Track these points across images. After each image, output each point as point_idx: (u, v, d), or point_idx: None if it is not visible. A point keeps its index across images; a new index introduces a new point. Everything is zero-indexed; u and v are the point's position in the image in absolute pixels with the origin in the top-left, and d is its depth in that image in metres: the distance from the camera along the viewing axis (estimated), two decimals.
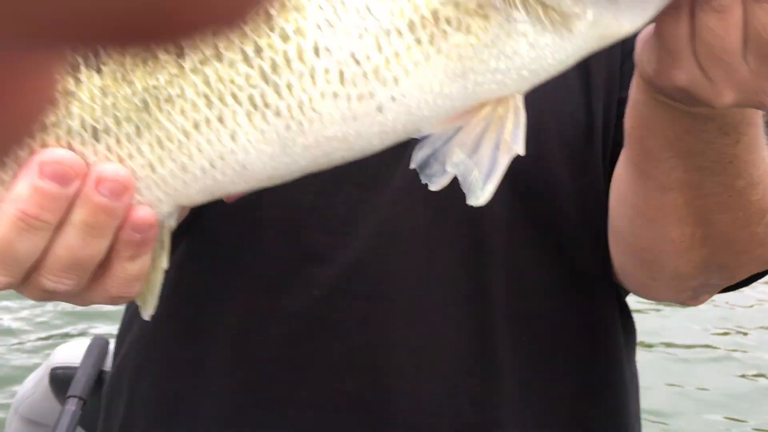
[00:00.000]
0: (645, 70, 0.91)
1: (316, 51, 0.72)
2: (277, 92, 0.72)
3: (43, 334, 5.78)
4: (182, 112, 0.70)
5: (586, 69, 1.18)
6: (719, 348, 5.75)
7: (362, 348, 1.19)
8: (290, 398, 1.24)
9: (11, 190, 0.67)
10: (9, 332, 5.91)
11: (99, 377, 1.91)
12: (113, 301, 0.76)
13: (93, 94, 0.69)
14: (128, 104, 0.69)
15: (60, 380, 2.13)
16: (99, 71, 0.69)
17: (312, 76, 0.72)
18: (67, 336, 5.63)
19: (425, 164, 0.78)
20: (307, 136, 0.74)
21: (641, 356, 1.57)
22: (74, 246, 0.68)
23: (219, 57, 0.70)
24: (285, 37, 0.71)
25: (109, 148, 0.70)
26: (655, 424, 4.41)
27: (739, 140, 0.99)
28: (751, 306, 6.38)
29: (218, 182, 0.75)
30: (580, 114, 1.11)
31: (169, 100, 0.69)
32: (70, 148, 0.69)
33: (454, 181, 0.78)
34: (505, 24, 0.77)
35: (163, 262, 0.74)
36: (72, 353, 2.43)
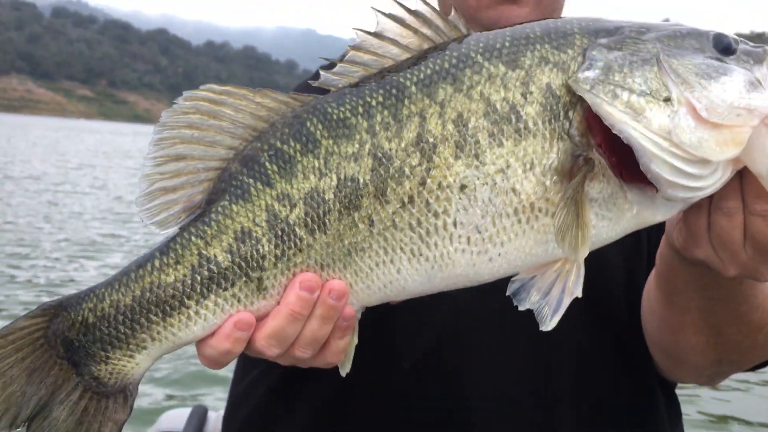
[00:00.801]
0: (673, 242, 1.29)
1: (455, 224, 1.16)
2: (428, 247, 1.17)
3: (150, 401, 6.51)
4: (370, 257, 1.17)
5: None
6: None
7: (444, 413, 1.55)
8: None
9: (285, 297, 1.15)
10: None
11: None
12: (327, 364, 1.26)
13: (324, 255, 1.19)
14: (341, 254, 1.17)
15: None
16: (324, 233, 1.17)
17: (450, 239, 1.18)
18: (170, 404, 6.39)
19: (516, 293, 1.17)
20: (444, 274, 1.20)
21: None
22: (315, 329, 1.18)
23: (395, 226, 1.16)
24: (436, 215, 1.16)
25: (334, 273, 1.19)
26: None
27: (742, 282, 1.37)
28: None
29: (387, 295, 1.22)
30: (629, 236, 1.46)
31: (363, 250, 1.17)
32: (314, 272, 1.18)
33: None
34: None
35: (355, 339, 1.25)
36: (175, 420, 2.81)
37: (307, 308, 1.17)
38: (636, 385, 1.67)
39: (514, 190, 1.15)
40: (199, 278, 1.17)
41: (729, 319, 1.43)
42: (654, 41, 1.15)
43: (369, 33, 1.21)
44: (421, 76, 1.17)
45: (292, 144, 1.17)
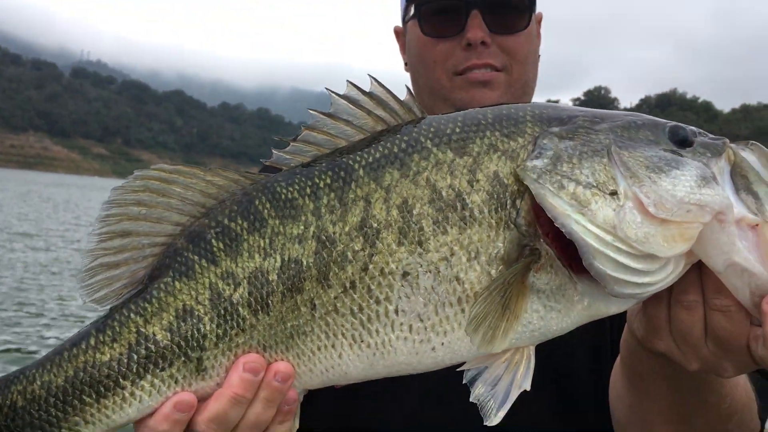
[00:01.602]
0: (634, 332, 1.26)
1: (396, 312, 1.13)
2: (369, 334, 1.15)
3: None
4: (312, 341, 1.14)
5: None
6: None
7: None
8: None
9: (228, 379, 1.11)
10: None
11: None
12: None
13: (266, 337, 1.15)
14: (284, 336, 1.14)
15: None
16: (268, 314, 1.14)
17: (392, 326, 1.15)
18: None
19: (470, 381, 1.14)
20: (386, 361, 1.17)
21: None
22: (258, 413, 1.14)
23: (337, 311, 1.13)
24: (378, 302, 1.13)
25: (276, 356, 1.16)
26: None
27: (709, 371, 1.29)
28: None
29: (330, 379, 1.19)
30: (592, 323, 1.43)
31: (305, 333, 1.14)
32: (259, 354, 1.16)
33: None
34: (526, 305, 1.14)
35: (296, 424, 1.21)
36: None
37: (250, 391, 1.13)
38: None
39: (457, 278, 1.13)
40: (136, 357, 1.14)
41: (697, 409, 1.38)
42: (607, 132, 1.14)
43: (323, 113, 1.21)
44: (370, 159, 1.17)
45: (240, 222, 1.16)
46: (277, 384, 1.14)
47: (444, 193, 1.14)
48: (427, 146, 1.16)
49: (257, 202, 1.17)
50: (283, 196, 1.17)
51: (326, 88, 1.22)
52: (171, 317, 1.14)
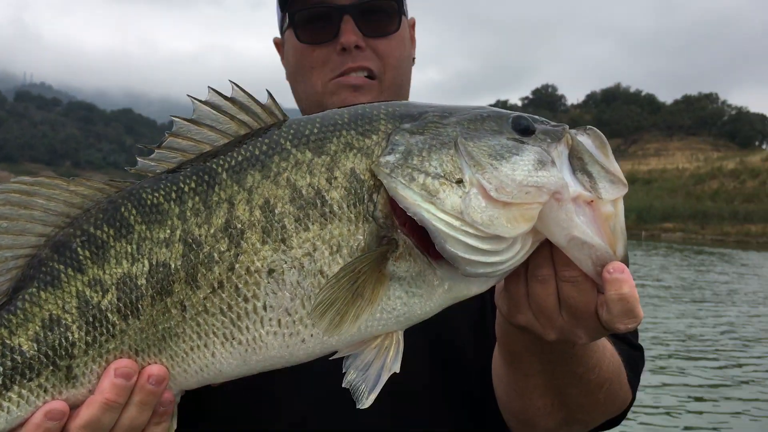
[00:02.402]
0: (500, 309, 1.32)
1: (265, 308, 1.17)
2: (240, 331, 1.18)
3: None
4: (185, 341, 1.18)
5: None
6: None
7: None
8: None
9: (99, 385, 1.14)
10: None
11: None
12: None
13: (138, 341, 1.18)
14: (156, 339, 1.17)
15: None
16: (138, 318, 1.17)
17: (261, 322, 1.19)
18: None
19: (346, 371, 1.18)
20: (259, 356, 1.21)
21: None
22: (133, 417, 1.17)
23: (207, 311, 1.17)
24: (246, 299, 1.17)
25: (149, 359, 1.19)
26: None
27: (574, 345, 1.38)
28: None
29: (205, 379, 1.22)
30: (475, 304, 1.46)
31: (177, 335, 1.17)
32: (128, 358, 1.18)
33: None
34: (387, 291, 1.20)
35: (174, 424, 1.23)
36: None
37: (123, 396, 1.16)
38: None
39: (321, 272, 1.17)
40: (1, 369, 1.14)
41: (569, 381, 1.46)
42: (455, 125, 1.20)
43: (186, 119, 1.24)
44: (233, 162, 1.21)
45: (106, 229, 1.19)
46: (151, 387, 1.17)
47: (304, 192, 1.18)
48: (287, 147, 1.21)
49: (123, 209, 1.20)
50: (148, 202, 1.20)
51: (188, 95, 1.25)
52: (37, 327, 1.15)
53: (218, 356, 1.20)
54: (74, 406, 1.17)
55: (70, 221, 1.20)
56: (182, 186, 1.20)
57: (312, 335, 1.20)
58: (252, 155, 1.21)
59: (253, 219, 1.18)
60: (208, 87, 1.24)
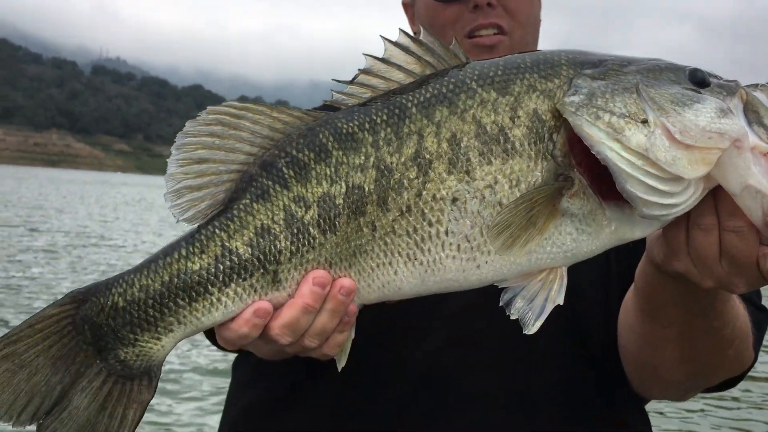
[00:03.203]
0: (654, 257, 1.38)
1: (447, 233, 1.27)
2: (422, 252, 1.28)
3: None
4: (372, 258, 1.28)
5: None
6: None
7: (431, 421, 1.62)
8: None
9: (299, 291, 1.26)
10: None
11: None
12: (324, 356, 1.35)
13: (332, 254, 1.29)
14: (347, 254, 1.28)
15: None
16: (335, 234, 1.28)
17: (442, 246, 1.28)
18: None
19: (507, 303, 1.26)
20: (436, 278, 1.30)
21: None
22: (324, 322, 1.28)
23: (394, 232, 1.27)
24: (430, 224, 1.26)
25: (340, 271, 1.30)
26: None
27: (717, 298, 1.46)
28: None
29: (385, 295, 1.32)
30: (600, 256, 1.53)
31: (366, 252, 1.27)
32: (323, 269, 1.29)
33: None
34: (559, 226, 1.28)
35: (353, 334, 1.34)
36: None
37: (318, 302, 1.27)
38: (611, 400, 1.74)
39: (500, 203, 1.26)
40: (221, 268, 1.27)
41: (704, 334, 1.51)
42: (634, 73, 1.26)
43: (377, 58, 1.34)
44: (421, 98, 1.30)
45: (307, 152, 1.29)
46: (342, 297, 1.28)
47: (488, 128, 1.27)
48: (473, 87, 1.29)
49: (321, 136, 1.30)
50: (344, 130, 1.30)
51: (380, 35, 1.34)
52: (251, 234, 1.27)
53: (400, 274, 1.30)
54: (275, 308, 1.29)
55: (274, 144, 1.31)
56: (375, 118, 1.30)
57: (487, 262, 1.29)
58: (440, 93, 1.30)
59: (440, 151, 1.27)
60: (399, 29, 1.33)
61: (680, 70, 1.27)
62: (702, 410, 8.07)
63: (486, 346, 1.67)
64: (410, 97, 1.30)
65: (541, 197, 1.23)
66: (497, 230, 1.24)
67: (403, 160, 1.27)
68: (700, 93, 1.23)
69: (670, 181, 1.19)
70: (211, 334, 1.67)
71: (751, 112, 1.23)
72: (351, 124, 1.30)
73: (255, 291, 1.28)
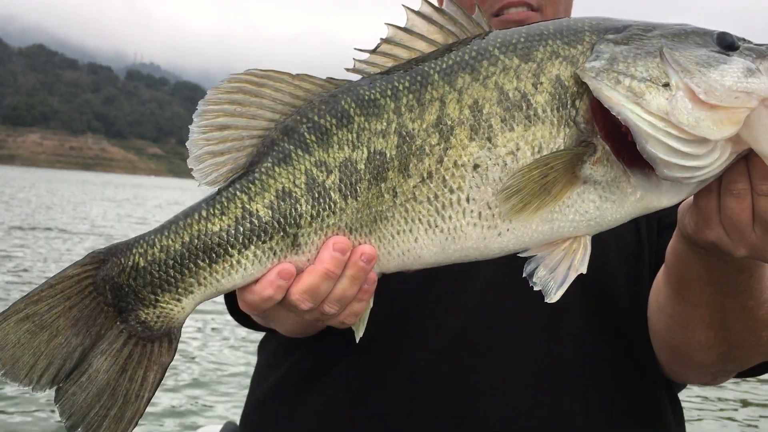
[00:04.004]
0: (685, 228, 1.35)
1: (468, 200, 1.26)
2: (443, 220, 1.27)
3: (182, 420, 6.86)
4: (393, 225, 1.28)
5: None
6: None
7: (456, 409, 1.61)
8: None
9: (319, 256, 1.26)
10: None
11: None
12: (342, 325, 1.35)
13: (353, 220, 1.29)
14: (368, 220, 1.27)
15: None
16: (356, 199, 1.27)
17: (463, 213, 1.28)
18: (200, 420, 6.76)
19: (530, 273, 1.25)
20: (456, 245, 1.30)
21: None
22: (345, 288, 1.28)
23: (415, 199, 1.26)
24: (451, 190, 1.26)
25: (360, 238, 1.29)
26: None
27: (752, 275, 1.41)
28: None
29: (405, 263, 1.32)
30: (632, 236, 1.50)
31: (386, 218, 1.27)
32: (344, 235, 1.29)
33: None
34: (582, 193, 1.26)
35: (371, 303, 1.33)
36: None
37: (339, 268, 1.27)
38: (642, 385, 1.70)
39: None
40: (241, 229, 1.27)
41: (736, 314, 1.47)
42: (659, 37, 1.25)
43: (399, 28, 1.34)
44: (443, 65, 1.29)
45: (328, 118, 1.29)
46: (362, 264, 1.27)
47: (510, 95, 1.26)
48: (495, 54, 1.28)
49: (343, 102, 1.30)
50: (366, 97, 1.30)
51: (402, 5, 1.34)
52: (272, 197, 1.27)
53: (420, 242, 1.29)
54: (296, 272, 1.28)
55: (296, 110, 1.31)
56: (397, 84, 1.30)
57: (508, 230, 1.28)
58: (462, 60, 1.29)
59: (462, 117, 1.26)
60: None
61: (708, 34, 1.25)
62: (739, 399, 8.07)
63: (510, 323, 1.65)
64: (432, 65, 1.30)
65: (558, 162, 1.22)
66: (506, 194, 1.22)
67: (424, 126, 1.27)
68: (728, 55, 1.21)
69: (694, 143, 1.17)
70: (235, 312, 1.68)
71: None
72: (373, 91, 1.30)
73: (275, 254, 1.28)
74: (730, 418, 7.60)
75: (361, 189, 1.27)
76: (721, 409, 7.83)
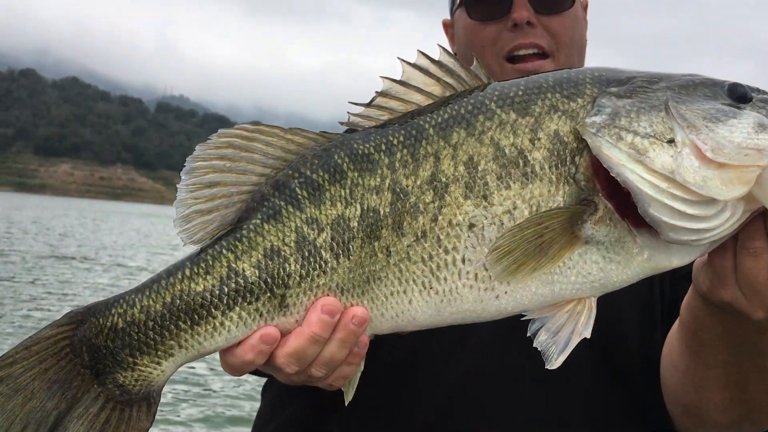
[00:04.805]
0: (700, 287, 1.29)
1: (463, 261, 1.21)
2: (438, 281, 1.22)
3: None
4: (386, 286, 1.23)
5: None
6: None
7: None
8: None
9: (307, 319, 1.20)
10: None
11: None
12: (330, 387, 1.28)
13: (345, 280, 1.23)
14: (361, 280, 1.23)
15: None
16: (348, 258, 1.23)
17: (459, 274, 1.22)
18: None
19: (535, 334, 1.20)
20: (452, 308, 1.24)
21: None
22: (333, 352, 1.23)
23: (410, 259, 1.21)
24: (447, 251, 1.21)
25: (352, 299, 1.24)
26: None
27: None
28: None
29: (399, 325, 1.27)
30: (643, 283, 1.44)
31: (380, 279, 1.22)
32: (334, 296, 1.24)
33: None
34: (583, 254, 1.21)
35: (361, 367, 1.27)
36: None
37: (327, 331, 1.22)
38: None
39: None
40: (226, 290, 1.22)
41: (754, 376, 1.40)
42: (664, 89, 1.19)
43: (395, 81, 1.30)
44: (439, 120, 1.26)
45: (321, 174, 1.26)
46: (354, 327, 1.22)
47: (507, 151, 1.21)
48: (492, 108, 1.24)
49: (336, 157, 1.26)
50: (360, 151, 1.26)
51: (398, 57, 1.31)
52: (260, 255, 1.23)
53: (415, 303, 1.24)
54: (282, 334, 1.25)
55: (288, 165, 1.27)
56: (391, 139, 1.26)
57: (506, 292, 1.22)
58: (458, 114, 1.25)
59: (457, 174, 1.22)
60: (417, 50, 1.30)
61: (718, 85, 1.20)
62: None
63: (514, 377, 1.59)
64: (428, 119, 1.26)
65: (554, 222, 1.17)
66: (497, 255, 1.17)
67: (419, 183, 1.23)
68: (739, 108, 1.15)
69: (701, 204, 1.11)
70: None
71: None
72: (367, 145, 1.27)
73: (261, 316, 1.23)
74: None
75: (353, 248, 1.23)
76: None
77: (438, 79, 1.29)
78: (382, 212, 1.23)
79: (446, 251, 1.22)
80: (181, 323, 1.23)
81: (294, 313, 1.24)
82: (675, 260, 1.21)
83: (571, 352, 1.18)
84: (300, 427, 1.70)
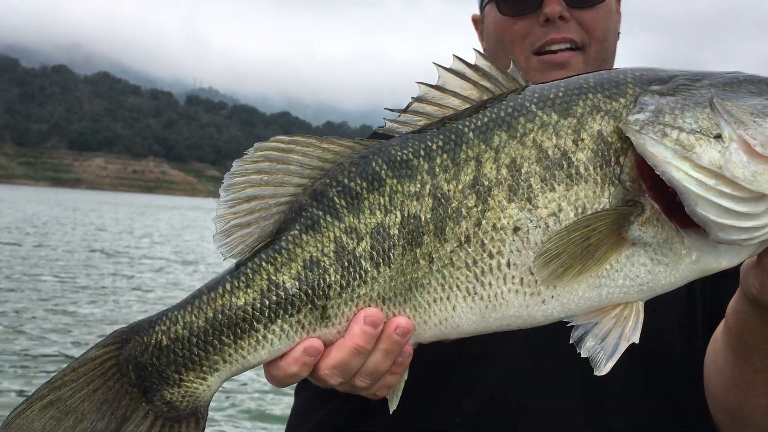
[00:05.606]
0: (749, 289, 1.26)
1: (508, 265, 1.19)
2: (483, 286, 1.21)
3: None
4: (429, 293, 1.22)
5: None
6: None
7: None
8: None
9: (349, 330, 1.19)
10: None
11: None
12: (374, 396, 1.28)
13: (386, 289, 1.22)
14: (402, 289, 1.22)
15: None
16: (389, 267, 1.22)
17: (504, 279, 1.20)
18: None
19: (578, 340, 1.18)
20: (498, 314, 1.23)
21: None
22: (377, 363, 1.22)
23: (453, 264, 1.20)
24: (491, 255, 1.19)
25: (394, 308, 1.22)
26: None
27: None
28: None
29: (442, 333, 1.25)
30: (683, 294, 1.41)
31: (422, 286, 1.21)
32: (376, 305, 1.23)
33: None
34: (631, 256, 1.19)
35: (406, 376, 1.26)
36: None
37: (371, 342, 1.21)
38: None
39: None
40: (267, 303, 1.22)
41: None
42: (708, 87, 1.17)
43: (431, 86, 1.29)
44: (479, 123, 1.24)
45: (359, 182, 1.24)
46: (397, 337, 1.22)
47: (550, 153, 1.19)
48: (532, 110, 1.22)
49: (374, 164, 1.25)
50: (398, 158, 1.25)
51: (434, 63, 1.30)
52: (299, 267, 1.22)
53: (459, 310, 1.23)
54: (325, 345, 1.24)
55: (325, 173, 1.26)
56: (430, 144, 1.25)
57: (553, 296, 1.20)
58: (498, 117, 1.24)
59: (500, 177, 1.20)
60: (453, 55, 1.29)
61: (763, 81, 1.17)
62: None
63: (550, 386, 1.56)
64: (467, 122, 1.25)
65: (601, 224, 1.15)
66: (545, 258, 1.15)
67: (460, 187, 1.21)
68: None
69: (750, 201, 1.08)
70: None
71: None
72: (405, 151, 1.25)
73: (303, 327, 1.23)
74: None
75: (394, 256, 1.22)
76: None
77: (475, 83, 1.27)
78: (423, 218, 1.21)
79: (491, 256, 1.21)
80: (224, 338, 1.23)
81: (336, 324, 1.24)
82: (724, 261, 1.18)
83: None
84: (333, 431, 1.70)
